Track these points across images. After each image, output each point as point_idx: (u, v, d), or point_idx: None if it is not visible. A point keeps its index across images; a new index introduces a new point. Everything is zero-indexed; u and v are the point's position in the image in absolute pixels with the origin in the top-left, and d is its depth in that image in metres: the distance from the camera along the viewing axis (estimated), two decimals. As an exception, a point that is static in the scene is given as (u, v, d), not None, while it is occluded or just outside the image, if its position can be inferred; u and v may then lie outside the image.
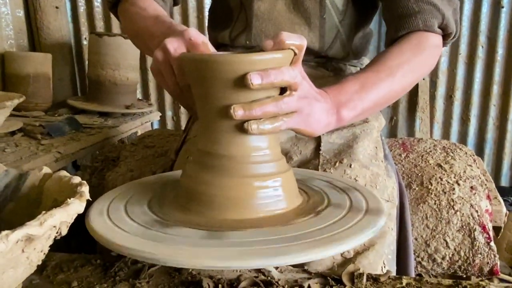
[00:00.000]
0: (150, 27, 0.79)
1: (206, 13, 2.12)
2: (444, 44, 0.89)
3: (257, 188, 0.56)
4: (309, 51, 0.93)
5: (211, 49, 0.63)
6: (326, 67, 0.97)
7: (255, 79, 0.52)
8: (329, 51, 0.94)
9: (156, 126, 2.29)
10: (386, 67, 0.78)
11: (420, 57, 0.82)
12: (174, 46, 0.61)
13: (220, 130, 0.57)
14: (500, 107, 2.01)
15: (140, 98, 2.17)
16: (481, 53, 1.97)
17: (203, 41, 0.61)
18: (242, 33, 0.94)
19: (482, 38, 1.95)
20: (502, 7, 1.90)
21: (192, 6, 2.14)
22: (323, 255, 0.48)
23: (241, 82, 0.53)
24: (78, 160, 1.39)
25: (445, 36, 0.87)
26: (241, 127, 0.55)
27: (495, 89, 1.99)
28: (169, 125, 2.31)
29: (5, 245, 0.42)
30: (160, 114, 2.08)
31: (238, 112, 0.54)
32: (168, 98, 2.27)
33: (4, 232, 0.42)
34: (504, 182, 2.06)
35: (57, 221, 0.47)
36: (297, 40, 0.57)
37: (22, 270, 0.49)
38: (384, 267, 0.76)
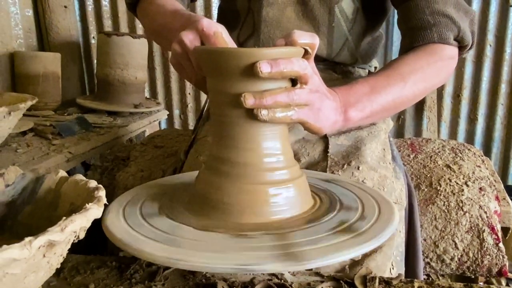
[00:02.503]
0: (169, 22, 0.79)
1: (213, 12, 2.13)
2: (460, 55, 0.88)
3: (271, 194, 0.57)
4: (317, 57, 0.93)
5: (226, 37, 0.63)
6: (334, 70, 0.98)
7: (264, 67, 0.52)
8: (337, 57, 0.95)
9: (163, 125, 2.31)
10: (397, 73, 0.78)
11: (434, 67, 0.81)
12: (190, 38, 0.62)
13: (232, 128, 0.57)
14: (508, 106, 2.00)
15: (148, 97, 2.19)
16: (489, 52, 1.96)
17: (215, 31, 0.61)
18: (250, 37, 0.94)
19: (490, 37, 1.94)
20: (511, 5, 1.89)
21: (199, 4, 2.15)
22: (337, 260, 0.49)
23: (251, 73, 0.53)
24: (87, 159, 1.40)
25: (461, 47, 0.86)
26: (251, 114, 0.55)
27: (503, 88, 1.98)
28: (177, 123, 2.32)
29: (28, 251, 0.43)
30: (168, 113, 2.09)
31: (249, 100, 0.54)
32: (175, 96, 2.28)
33: (28, 239, 0.43)
34: (511, 181, 2.05)
35: (77, 227, 0.48)
36: (309, 39, 0.57)
37: (43, 273, 0.50)
38: (393, 268, 0.77)
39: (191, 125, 2.27)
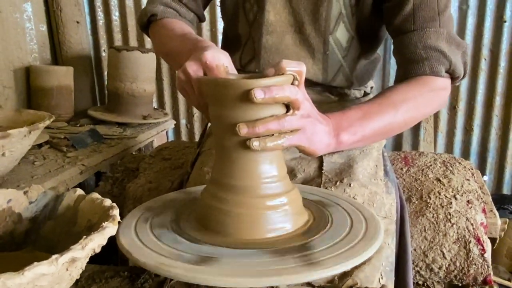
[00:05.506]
0: (177, 46, 0.86)
1: (219, 26, 2.18)
2: (453, 84, 0.92)
3: (266, 208, 0.62)
4: (313, 82, 0.97)
5: (231, 68, 0.69)
6: (331, 92, 1.02)
7: (258, 94, 0.57)
8: (332, 82, 0.99)
9: (170, 134, 2.36)
10: (390, 101, 0.83)
11: (426, 97, 0.85)
12: (193, 69, 0.67)
13: (232, 152, 0.63)
14: (502, 117, 2.04)
15: (155, 107, 2.24)
16: (484, 65, 2.00)
17: (217, 64, 0.66)
18: (251, 62, 1.00)
19: (485, 51, 1.98)
20: (505, 21, 1.93)
21: (206, 30, 2.21)
22: (329, 274, 0.54)
23: (247, 100, 0.58)
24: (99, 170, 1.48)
25: (453, 78, 0.90)
26: (245, 144, 0.59)
27: (498, 100, 2.02)
28: (183, 132, 2.37)
29: (55, 267, 0.50)
30: (175, 122, 2.15)
31: (243, 130, 0.58)
32: (182, 107, 2.34)
33: (54, 256, 0.50)
34: (506, 190, 2.09)
35: (96, 245, 0.55)
36: (296, 67, 0.62)
37: (65, 285, 0.56)
38: (382, 278, 0.81)
39: (197, 134, 2.32)
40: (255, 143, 0.59)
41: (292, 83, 0.62)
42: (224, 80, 0.64)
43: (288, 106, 0.63)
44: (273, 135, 0.61)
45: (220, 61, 0.67)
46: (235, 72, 0.70)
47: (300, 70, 0.62)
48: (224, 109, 0.61)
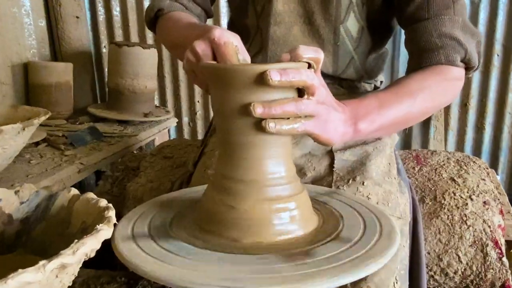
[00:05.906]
0: (186, 33, 0.82)
1: (222, 22, 2.16)
2: (467, 75, 0.89)
3: (274, 210, 0.58)
4: (322, 74, 0.94)
5: (241, 48, 0.65)
6: (341, 85, 0.99)
7: (274, 76, 0.53)
8: (342, 74, 0.96)
9: (172, 132, 2.34)
10: (406, 90, 0.80)
11: (441, 86, 0.83)
12: (202, 48, 0.64)
13: (237, 148, 0.59)
14: (515, 115, 2.01)
15: (157, 104, 2.22)
16: (496, 61, 1.96)
17: (225, 41, 0.63)
18: (258, 54, 0.97)
19: (498, 47, 1.94)
20: (518, 16, 1.90)
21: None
22: (344, 282, 0.50)
23: (260, 84, 0.54)
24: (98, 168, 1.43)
25: (468, 68, 0.87)
26: (259, 126, 0.55)
27: (510, 97, 1.98)
28: (186, 130, 2.35)
29: (42, 274, 0.45)
30: (177, 120, 2.11)
31: (258, 110, 0.54)
32: (184, 104, 2.31)
33: (41, 262, 0.46)
34: (518, 190, 2.06)
35: (88, 249, 0.51)
36: (313, 54, 0.58)
37: (55, 292, 0.52)
38: (396, 282, 0.78)
39: (200, 132, 2.30)
40: (271, 124, 0.55)
41: None
42: (235, 65, 0.61)
43: (301, 92, 0.59)
44: (288, 119, 0.57)
45: (229, 39, 0.64)
46: (246, 53, 0.66)
47: (318, 57, 0.59)
48: (233, 95, 0.56)
